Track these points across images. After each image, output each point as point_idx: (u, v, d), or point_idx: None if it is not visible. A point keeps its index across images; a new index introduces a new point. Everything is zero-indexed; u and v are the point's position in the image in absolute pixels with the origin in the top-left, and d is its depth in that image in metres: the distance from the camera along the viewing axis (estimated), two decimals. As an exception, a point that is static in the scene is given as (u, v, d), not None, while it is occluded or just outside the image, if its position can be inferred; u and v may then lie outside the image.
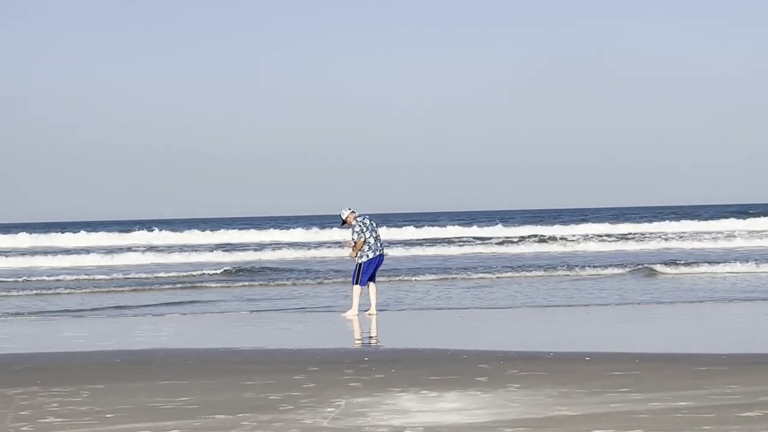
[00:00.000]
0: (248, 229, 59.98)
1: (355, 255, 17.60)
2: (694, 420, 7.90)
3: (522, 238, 46.21)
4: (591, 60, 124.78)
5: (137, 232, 55.70)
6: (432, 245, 42.45)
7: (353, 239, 17.59)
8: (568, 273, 26.91)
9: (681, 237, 44.53)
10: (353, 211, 17.79)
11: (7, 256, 38.92)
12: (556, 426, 7.80)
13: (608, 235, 46.44)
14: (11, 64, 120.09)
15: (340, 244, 17.46)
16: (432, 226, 60.27)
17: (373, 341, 14.52)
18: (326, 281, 26.03)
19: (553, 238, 45.40)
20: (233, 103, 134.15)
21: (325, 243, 43.66)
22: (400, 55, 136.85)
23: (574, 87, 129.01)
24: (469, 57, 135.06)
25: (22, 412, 8.75)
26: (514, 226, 58.85)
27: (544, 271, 27.53)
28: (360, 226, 17.56)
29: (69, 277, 28.83)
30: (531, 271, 27.58)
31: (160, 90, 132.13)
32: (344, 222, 17.89)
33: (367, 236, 17.56)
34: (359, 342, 14.56)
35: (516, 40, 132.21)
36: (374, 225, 17.78)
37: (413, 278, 26.20)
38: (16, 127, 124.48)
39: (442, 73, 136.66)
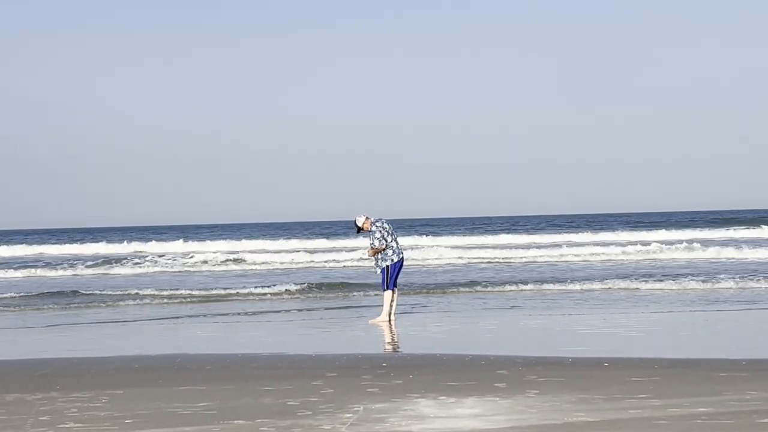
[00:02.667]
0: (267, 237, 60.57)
1: (372, 254, 17.42)
2: (714, 426, 7.87)
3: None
4: (600, 58, 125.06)
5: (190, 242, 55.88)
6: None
7: (373, 245, 17.40)
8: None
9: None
10: (368, 217, 17.60)
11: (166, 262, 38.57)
12: (575, 432, 7.79)
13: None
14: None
15: (364, 253, 17.22)
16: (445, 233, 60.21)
17: (391, 347, 14.51)
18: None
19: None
20: (231, 104, 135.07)
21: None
22: (406, 55, 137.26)
23: (585, 86, 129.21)
24: (477, 56, 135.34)
25: (42, 418, 8.79)
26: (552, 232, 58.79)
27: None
28: (380, 231, 17.40)
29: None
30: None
31: (171, 91, 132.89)
32: (360, 229, 17.62)
33: (389, 241, 17.44)
34: (377, 347, 14.55)
35: (525, 38, 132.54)
36: (392, 228, 17.67)
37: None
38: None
39: (449, 72, 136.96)
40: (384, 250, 17.38)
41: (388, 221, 17.67)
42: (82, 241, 65.68)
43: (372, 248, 17.42)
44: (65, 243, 61.99)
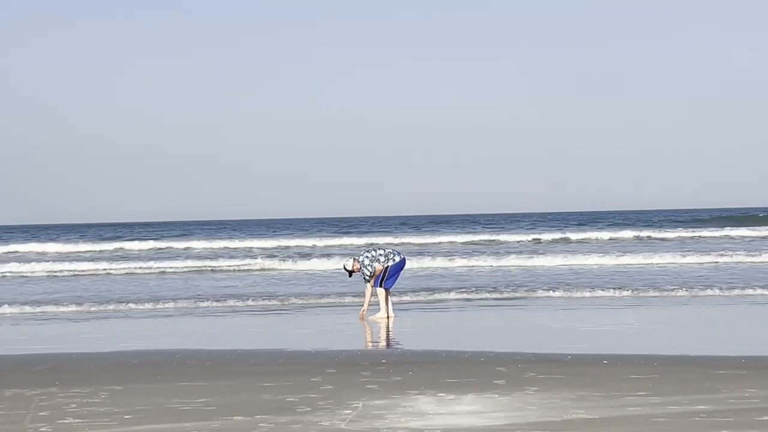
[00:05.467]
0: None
1: (372, 281, 17.33)
2: (712, 424, 7.88)
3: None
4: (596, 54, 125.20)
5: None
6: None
7: (368, 276, 17.26)
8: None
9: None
10: (355, 258, 17.64)
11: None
12: (574, 429, 7.79)
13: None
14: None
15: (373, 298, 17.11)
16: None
17: (390, 343, 14.53)
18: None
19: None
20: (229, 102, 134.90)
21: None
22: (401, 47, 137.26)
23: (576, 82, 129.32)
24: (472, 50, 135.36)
25: (41, 413, 8.80)
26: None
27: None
28: (367, 259, 17.36)
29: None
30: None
31: (167, 87, 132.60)
32: (351, 272, 17.55)
33: (382, 260, 17.38)
34: (376, 343, 14.57)
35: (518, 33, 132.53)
36: (376, 246, 17.74)
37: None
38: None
39: (445, 68, 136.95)
40: (385, 269, 17.31)
41: (374, 246, 17.85)
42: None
43: (370, 279, 17.27)
44: None
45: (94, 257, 41.42)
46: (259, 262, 34.33)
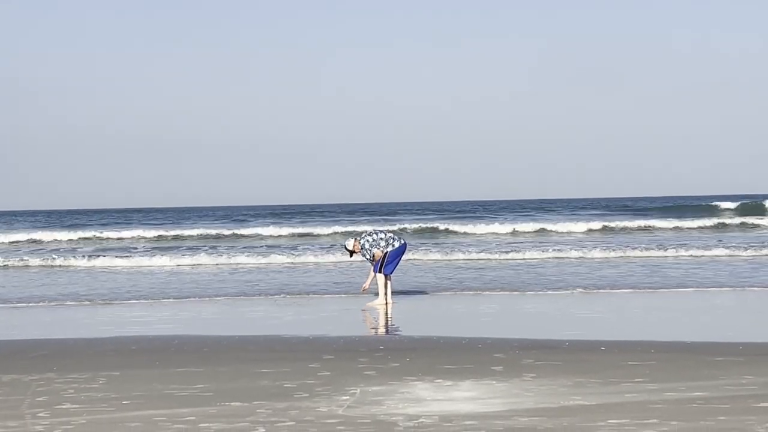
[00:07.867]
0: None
1: (375, 261, 17.37)
2: (709, 410, 7.89)
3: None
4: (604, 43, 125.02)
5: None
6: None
7: (370, 259, 17.36)
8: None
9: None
10: (356, 239, 17.65)
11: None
12: (571, 415, 7.80)
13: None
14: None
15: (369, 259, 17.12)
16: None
17: (388, 329, 14.53)
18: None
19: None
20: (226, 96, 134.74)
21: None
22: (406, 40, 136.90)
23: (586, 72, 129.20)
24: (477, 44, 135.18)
25: (38, 399, 8.80)
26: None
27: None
28: (368, 243, 17.40)
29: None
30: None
31: (162, 75, 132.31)
32: (352, 253, 17.59)
33: (382, 245, 17.40)
34: (374, 330, 14.58)
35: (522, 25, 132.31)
36: (377, 229, 17.79)
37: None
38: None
39: (449, 62, 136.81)
40: (384, 255, 17.34)
41: (376, 230, 17.85)
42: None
43: (373, 262, 17.36)
44: None
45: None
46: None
